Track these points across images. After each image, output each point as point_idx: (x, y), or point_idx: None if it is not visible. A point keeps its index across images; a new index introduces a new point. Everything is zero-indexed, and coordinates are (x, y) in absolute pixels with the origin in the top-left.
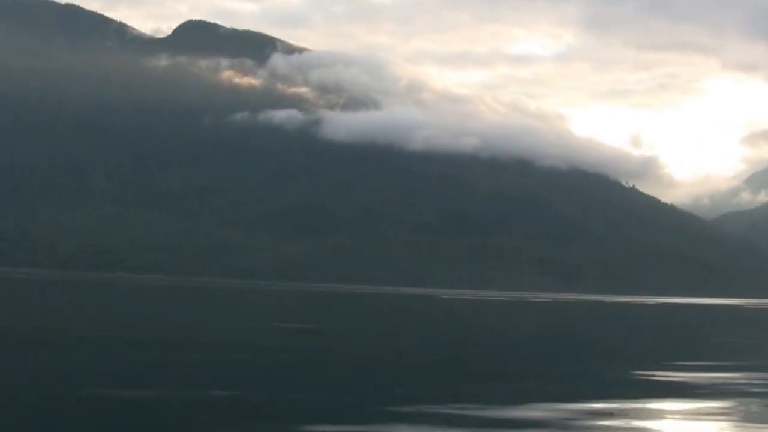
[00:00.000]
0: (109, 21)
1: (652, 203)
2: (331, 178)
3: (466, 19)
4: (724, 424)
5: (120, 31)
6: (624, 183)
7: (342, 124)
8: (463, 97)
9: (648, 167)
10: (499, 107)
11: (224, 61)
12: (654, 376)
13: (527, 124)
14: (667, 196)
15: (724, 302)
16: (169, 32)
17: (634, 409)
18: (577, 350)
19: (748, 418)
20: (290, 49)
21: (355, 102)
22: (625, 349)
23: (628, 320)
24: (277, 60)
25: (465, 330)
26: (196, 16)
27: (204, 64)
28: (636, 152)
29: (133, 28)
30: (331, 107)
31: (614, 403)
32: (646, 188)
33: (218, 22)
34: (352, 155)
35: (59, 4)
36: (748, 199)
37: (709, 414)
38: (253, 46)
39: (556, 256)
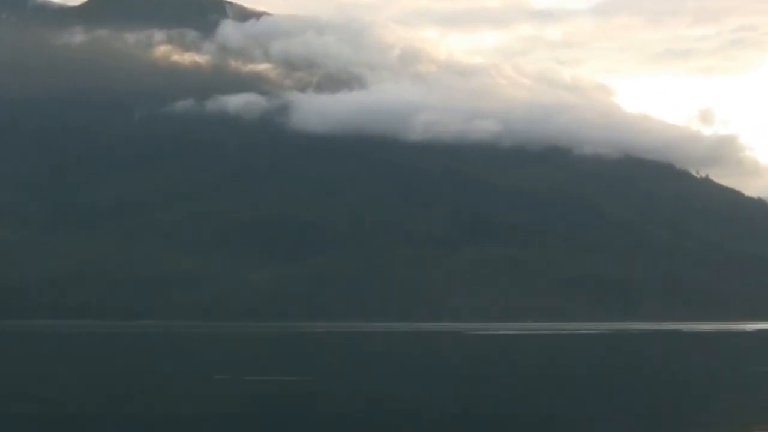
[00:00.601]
0: None
1: (732, 198)
2: (306, 182)
3: None
4: None
5: None
6: (694, 173)
7: (317, 109)
8: (475, 69)
9: (724, 150)
10: (522, 80)
11: (158, 34)
12: None
13: (560, 100)
14: (751, 188)
15: None
16: None
17: None
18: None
19: None
20: (244, 15)
21: (333, 80)
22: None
23: (720, 355)
24: (228, 29)
25: (519, 383)
26: None
27: (132, 38)
28: (707, 132)
29: None
30: (302, 88)
31: None
32: (723, 178)
33: None
34: (333, 150)
35: None
36: None
37: None
38: (196, 13)
39: (607, 274)
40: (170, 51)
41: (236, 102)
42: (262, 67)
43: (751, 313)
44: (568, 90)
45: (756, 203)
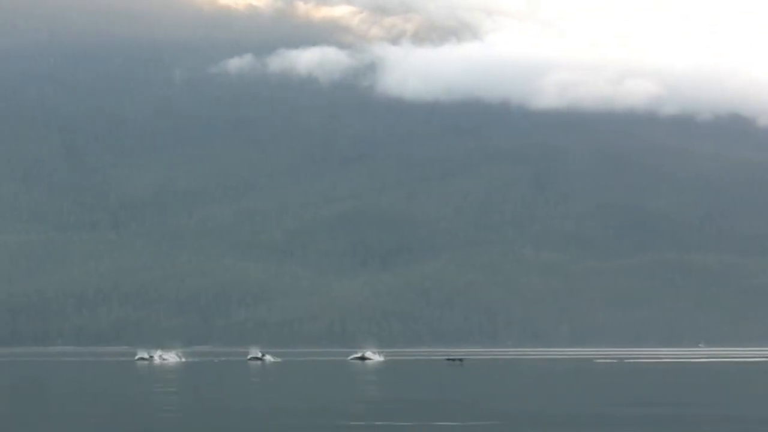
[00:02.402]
0: None
1: None
2: (402, 164)
3: None
4: None
5: None
6: None
7: (414, 67)
8: (626, 14)
9: None
10: (689, 29)
11: None
12: None
13: (738, 57)
14: None
15: None
16: None
17: None
18: None
19: None
20: None
21: (436, 29)
22: None
23: None
24: None
25: None
26: None
27: None
28: None
29: None
30: (395, 40)
31: None
32: None
33: None
34: (436, 121)
35: None
36: None
37: None
38: None
39: None
40: None
41: (308, 58)
42: (341, 11)
43: None
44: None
45: None
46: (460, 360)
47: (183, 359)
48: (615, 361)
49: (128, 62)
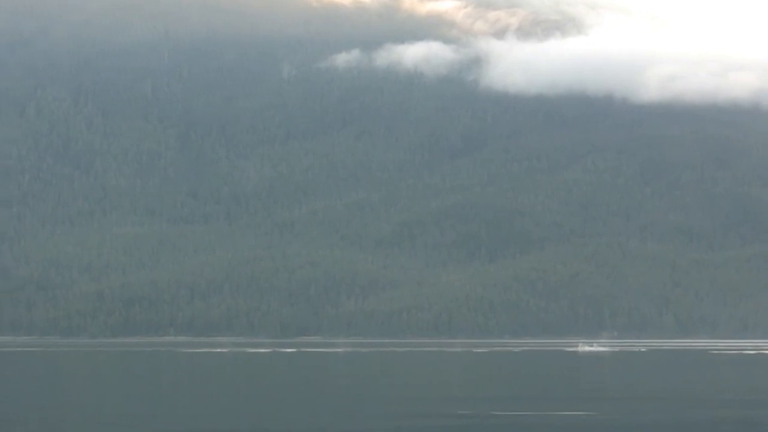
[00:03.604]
0: None
1: None
2: (508, 157)
3: None
4: None
5: None
6: None
7: (519, 62)
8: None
9: None
10: None
11: None
12: None
13: None
14: None
15: None
16: None
17: None
18: None
19: None
20: None
21: (540, 24)
22: None
23: None
24: None
25: None
26: None
27: None
28: None
29: None
30: (500, 35)
31: None
32: None
33: None
34: (541, 115)
35: None
36: None
37: None
38: None
39: None
40: None
41: (414, 53)
42: (447, 6)
43: None
44: None
45: None
46: None
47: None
48: (734, 352)
49: (239, 58)
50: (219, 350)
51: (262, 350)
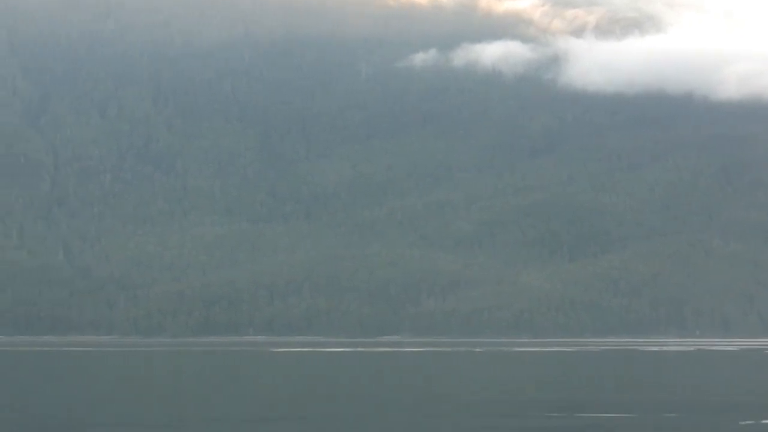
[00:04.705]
0: None
1: None
2: (587, 155)
3: None
4: None
5: None
6: None
7: (597, 60)
8: None
9: None
10: None
11: None
12: None
13: None
14: None
15: None
16: None
17: None
18: None
19: None
20: None
21: (619, 22)
22: None
23: None
24: None
25: None
26: None
27: None
28: None
29: None
30: (577, 33)
31: None
32: None
33: None
34: (620, 114)
35: None
36: None
37: None
38: None
39: None
40: None
41: (491, 52)
42: (524, 5)
43: None
44: None
45: None
46: None
47: None
48: None
49: (318, 58)
50: (336, 350)
51: (384, 349)
